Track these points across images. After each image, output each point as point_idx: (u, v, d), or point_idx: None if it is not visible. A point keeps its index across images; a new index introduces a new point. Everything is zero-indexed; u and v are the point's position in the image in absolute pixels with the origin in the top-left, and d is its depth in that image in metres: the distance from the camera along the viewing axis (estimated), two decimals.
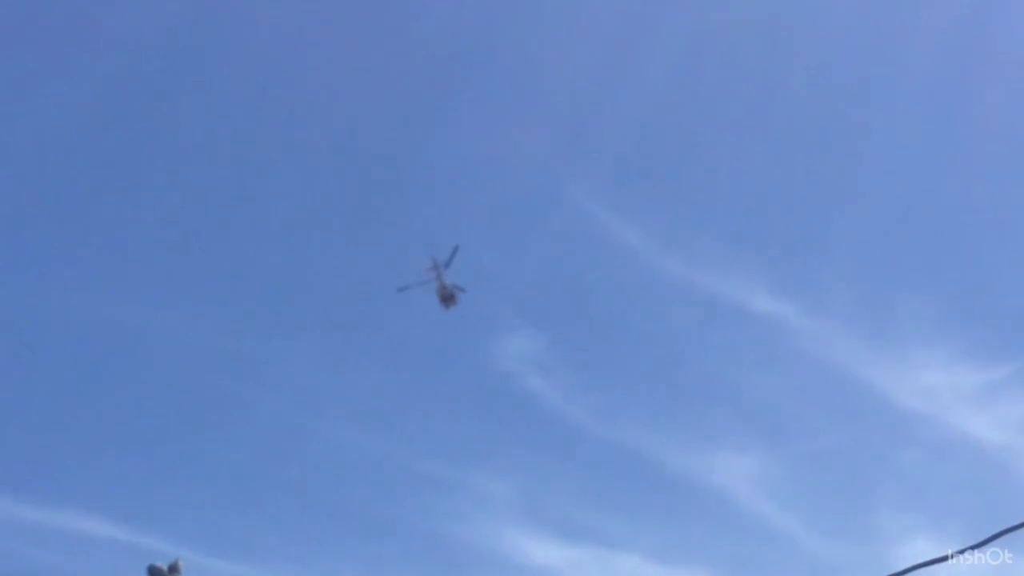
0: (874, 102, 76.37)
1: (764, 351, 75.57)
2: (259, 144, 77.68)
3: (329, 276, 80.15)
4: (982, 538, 6.82)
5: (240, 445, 76.47)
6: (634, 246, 73.97)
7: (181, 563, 6.86)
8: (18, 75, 73.87)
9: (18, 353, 76.54)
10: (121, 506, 67.54)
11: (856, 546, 63.69)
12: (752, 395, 75.57)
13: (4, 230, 76.68)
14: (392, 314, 76.75)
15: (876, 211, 76.16)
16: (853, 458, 72.39)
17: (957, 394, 70.19)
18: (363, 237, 78.91)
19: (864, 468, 72.72)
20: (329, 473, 74.30)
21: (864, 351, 74.54)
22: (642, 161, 77.66)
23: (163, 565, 6.92)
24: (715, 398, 76.46)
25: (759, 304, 72.80)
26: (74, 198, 77.44)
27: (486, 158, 77.44)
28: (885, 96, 75.87)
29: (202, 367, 76.38)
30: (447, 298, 57.55)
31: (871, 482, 71.09)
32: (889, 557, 57.06)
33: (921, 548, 57.66)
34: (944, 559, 6.66)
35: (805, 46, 76.34)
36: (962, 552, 6.67)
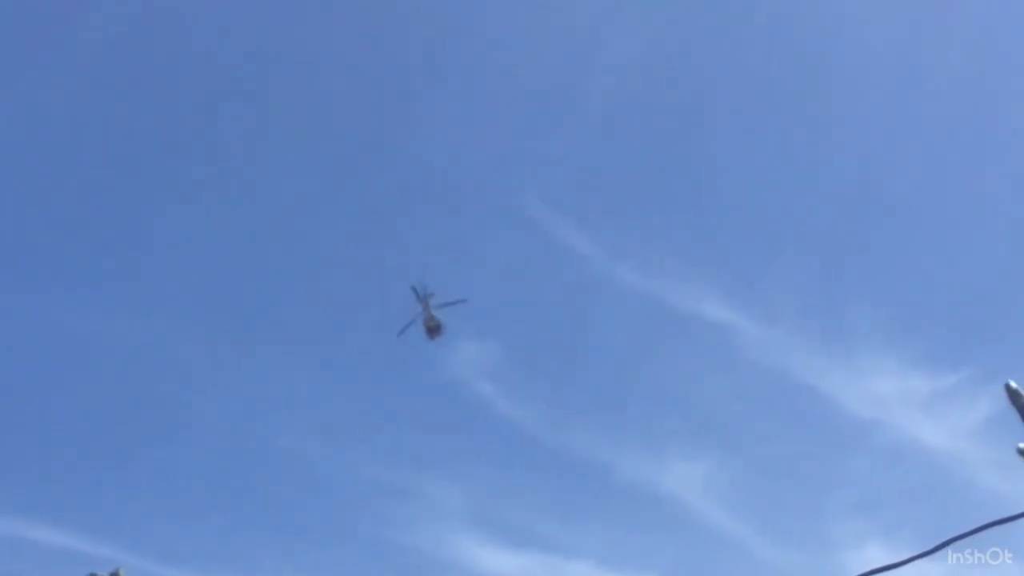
0: (825, 114, 76.84)
1: (715, 359, 75.85)
2: (219, 151, 77.26)
3: (282, 285, 79.80)
4: (932, 545, 6.79)
5: (192, 452, 75.96)
6: (586, 253, 74.11)
7: (122, 572, 6.69)
8: None
9: None
10: (69, 513, 66.88)
11: (807, 553, 63.97)
12: (703, 402, 75.82)
13: None
14: (345, 323, 76.46)
15: (828, 220, 76.60)
16: (804, 465, 72.76)
17: (907, 401, 70.70)
18: (317, 245, 78.56)
19: (815, 475, 73.09)
20: (281, 481, 73.96)
21: (815, 359, 74.95)
22: (595, 169, 77.78)
23: (103, 574, 6.75)
24: (666, 405, 76.65)
25: (710, 312, 73.07)
26: (23, 201, 76.71)
27: (440, 165, 77.33)
28: (837, 109, 76.33)
29: (154, 374, 75.86)
30: (432, 329, 57.90)
31: (822, 489, 71.45)
32: (840, 564, 57.31)
33: (872, 554, 57.93)
34: (895, 566, 6.63)
35: (760, 54, 76.71)
36: (912, 559, 6.65)
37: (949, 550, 6.76)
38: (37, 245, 77.38)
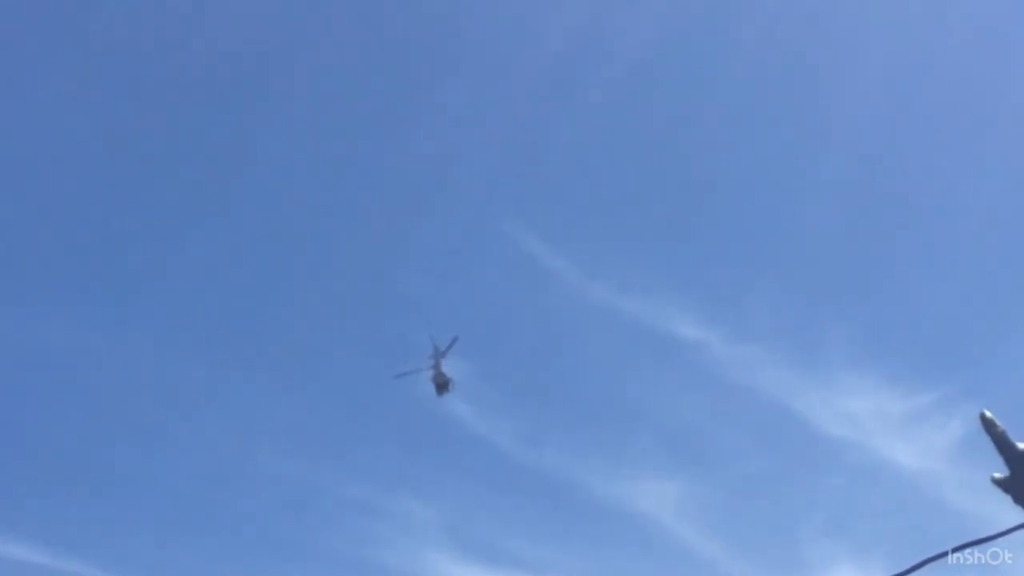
0: (800, 132, 77.26)
1: (689, 377, 76.01)
2: (193, 170, 77.19)
3: (254, 304, 79.67)
4: (905, 567, 6.88)
5: (165, 471, 75.65)
6: (560, 272, 74.25)
7: None
8: None
9: None
10: (39, 528, 66.53)
11: (780, 573, 64.08)
12: (677, 421, 75.94)
13: None
14: (317, 341, 76.33)
15: (803, 239, 76.95)
16: (778, 484, 72.93)
17: (882, 421, 70.92)
18: (296, 261, 78.49)
19: (789, 494, 73.24)
20: (254, 498, 73.72)
21: (789, 378, 75.18)
22: (570, 187, 77.97)
23: None
24: (640, 424, 76.76)
25: (685, 330, 73.26)
26: (2, 214, 76.45)
27: (414, 183, 77.31)
28: (812, 126, 76.76)
29: (131, 390, 75.58)
30: (442, 386, 58.09)
31: (795, 508, 71.58)
32: None
33: (845, 575, 58.07)
34: None
35: (732, 72, 77.10)
36: None
37: (923, 571, 6.84)
38: (16, 258, 77.14)
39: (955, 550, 6.62)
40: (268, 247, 78.74)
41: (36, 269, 77.39)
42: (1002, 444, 6.39)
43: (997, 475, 6.40)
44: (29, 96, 73.22)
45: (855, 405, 71.84)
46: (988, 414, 6.38)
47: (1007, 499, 6.47)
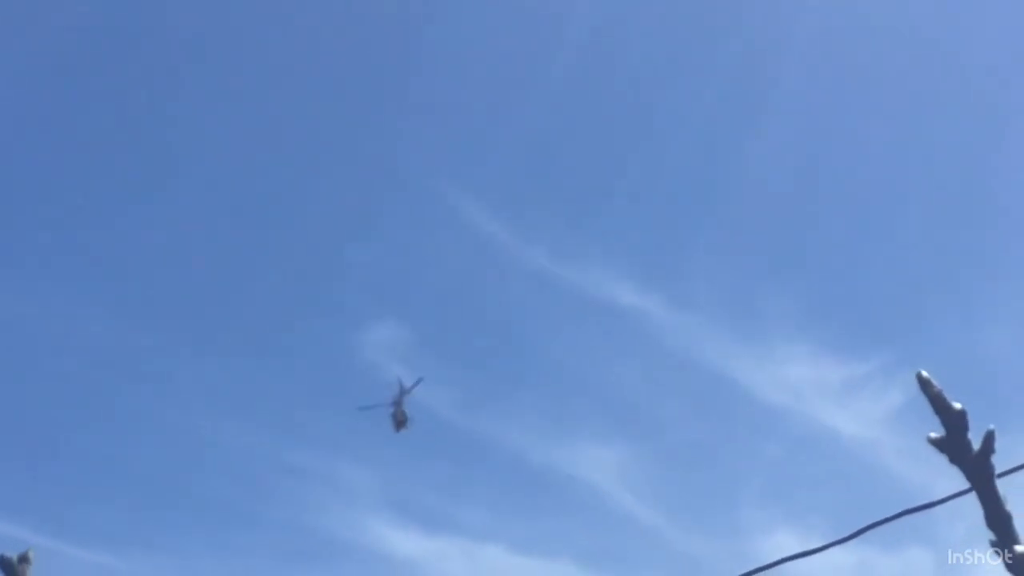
0: (742, 102, 77.59)
1: (628, 344, 76.19)
2: (140, 136, 76.48)
3: (195, 270, 79.14)
4: (847, 532, 6.86)
5: (101, 433, 75.13)
6: (497, 236, 74.04)
7: (31, 553, 6.61)
8: None
9: None
10: None
11: (719, 539, 64.44)
12: (616, 388, 76.15)
13: None
14: (256, 303, 76.05)
15: (742, 206, 77.25)
16: (717, 452, 73.27)
17: (820, 389, 71.36)
18: (226, 230, 78.07)
19: (728, 462, 73.70)
20: (191, 462, 73.30)
21: (728, 345, 75.45)
22: (509, 151, 77.89)
23: (12, 555, 6.65)
24: (578, 390, 76.89)
25: (623, 297, 73.26)
26: None
27: (351, 142, 77.04)
28: (752, 97, 77.05)
29: (64, 354, 74.98)
30: (401, 423, 58.36)
31: (735, 476, 72.05)
32: (752, 551, 57.71)
33: (783, 542, 58.43)
34: (812, 552, 6.70)
35: (671, 35, 77.22)
36: (829, 546, 6.72)
37: (866, 537, 6.85)
38: None
39: (897, 516, 6.63)
40: (207, 215, 78.18)
41: None
42: (938, 404, 6.41)
43: (933, 435, 6.41)
44: None
45: (794, 373, 72.31)
46: (924, 374, 6.39)
47: (942, 462, 6.46)
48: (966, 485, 6.48)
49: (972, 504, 6.50)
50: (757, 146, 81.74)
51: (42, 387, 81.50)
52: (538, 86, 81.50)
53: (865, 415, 70.65)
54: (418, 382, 58.02)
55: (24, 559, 6.91)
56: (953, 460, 6.37)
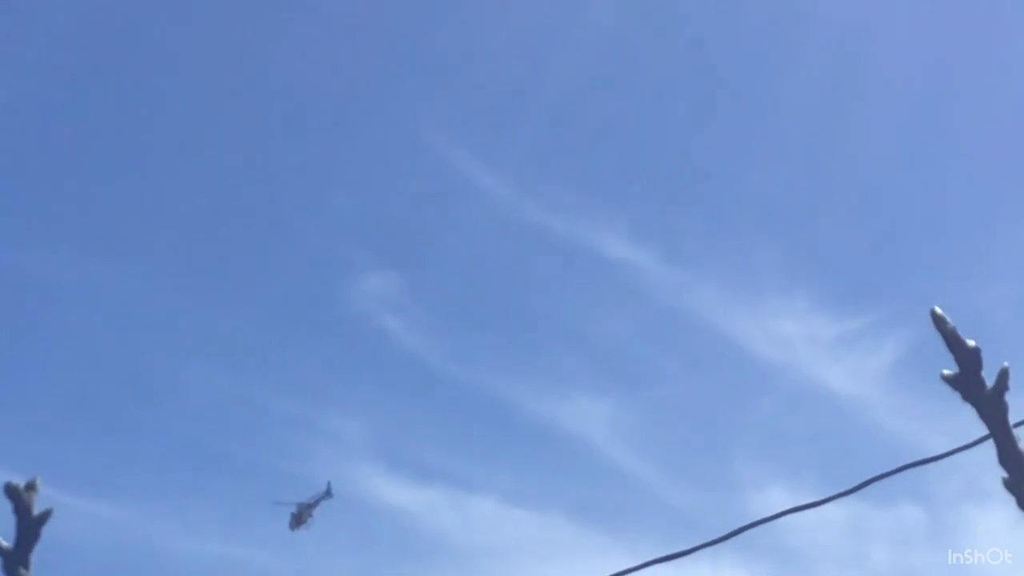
0: (735, 49, 77.30)
1: (621, 298, 76.44)
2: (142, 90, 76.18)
3: (184, 217, 79.04)
4: (841, 488, 6.90)
5: (96, 380, 75.33)
6: (492, 190, 74.14)
7: (38, 481, 6.58)
8: None
9: None
10: None
11: (712, 493, 64.92)
12: (609, 342, 76.42)
13: None
14: (248, 252, 75.92)
15: (735, 160, 77.30)
16: (710, 406, 73.72)
17: (812, 345, 71.68)
18: (218, 178, 77.82)
19: (721, 416, 74.10)
20: (185, 410, 73.68)
21: (721, 300, 75.80)
22: (502, 105, 77.73)
23: (19, 483, 6.63)
24: (571, 344, 77.13)
25: (616, 251, 73.51)
26: None
27: (348, 97, 76.66)
28: (746, 42, 76.82)
29: (63, 300, 74.97)
30: (299, 522, 59.49)
31: (726, 431, 72.43)
32: (744, 505, 58.20)
33: (776, 496, 58.84)
34: (814, 505, 6.73)
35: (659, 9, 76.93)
36: (832, 499, 6.76)
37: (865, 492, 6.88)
38: None
39: (901, 468, 6.65)
40: (197, 161, 77.96)
41: None
42: (952, 341, 6.42)
43: (947, 372, 6.41)
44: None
45: (786, 329, 72.68)
46: (939, 310, 6.37)
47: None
48: (965, 439, 6.52)
49: (967, 459, 6.54)
50: (750, 101, 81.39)
51: (21, 328, 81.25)
52: (531, 37, 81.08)
53: (858, 371, 70.81)
54: (328, 494, 58.14)
55: (31, 487, 6.88)
56: (966, 397, 6.39)
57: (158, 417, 74.86)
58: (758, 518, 6.72)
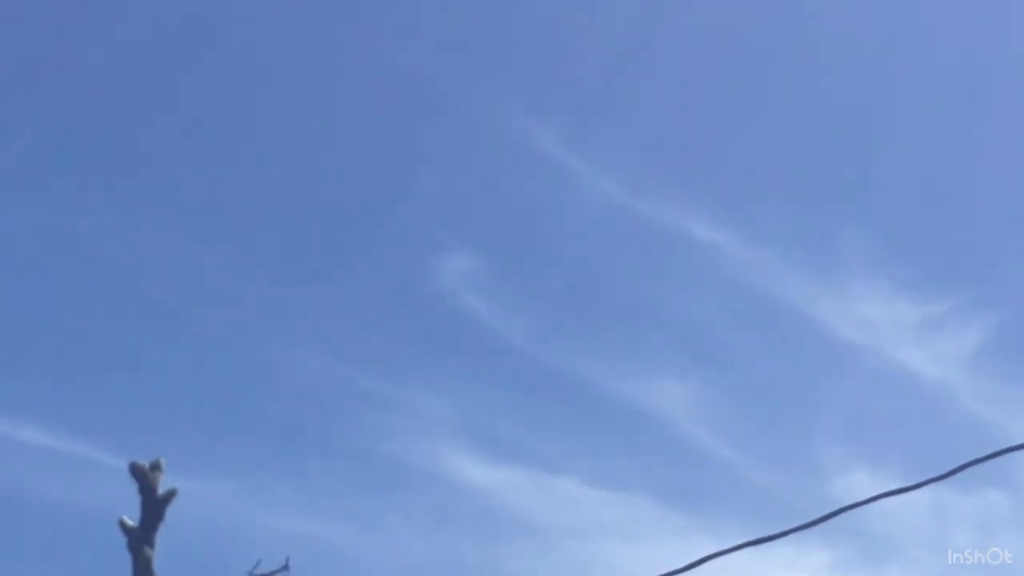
0: (815, 36, 76.39)
1: (703, 279, 75.56)
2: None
3: (271, 197, 79.31)
4: (931, 473, 6.89)
5: (180, 360, 75.94)
6: (573, 169, 73.54)
7: (163, 461, 6.87)
8: None
9: None
10: (50, 414, 66.60)
11: (794, 476, 64.03)
12: (691, 323, 75.59)
13: None
14: (329, 231, 76.26)
15: (819, 140, 76.30)
16: (791, 388, 72.59)
17: (896, 327, 70.34)
18: (299, 159, 78.09)
19: (802, 398, 73.01)
20: (267, 388, 74.03)
21: (803, 282, 74.68)
22: (587, 86, 77.27)
23: (145, 463, 6.91)
24: (653, 324, 76.46)
25: (698, 231, 72.53)
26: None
27: (428, 77, 76.60)
28: (828, 30, 75.88)
29: (145, 280, 75.66)
30: None
31: (809, 413, 71.37)
32: (827, 487, 57.40)
33: (859, 480, 57.82)
34: (909, 489, 6.75)
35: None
36: (927, 482, 6.75)
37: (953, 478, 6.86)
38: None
39: (1000, 453, 6.64)
40: (284, 142, 78.26)
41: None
42: None
43: None
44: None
45: (870, 310, 71.37)
46: None
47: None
48: None
49: None
50: (830, 82, 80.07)
51: (111, 309, 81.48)
52: (622, 21, 79.90)
53: (943, 356, 69.32)
54: (285, 569, 57.42)
55: (156, 467, 7.09)
56: None
57: (236, 395, 75.31)
58: (842, 501, 6.79)
